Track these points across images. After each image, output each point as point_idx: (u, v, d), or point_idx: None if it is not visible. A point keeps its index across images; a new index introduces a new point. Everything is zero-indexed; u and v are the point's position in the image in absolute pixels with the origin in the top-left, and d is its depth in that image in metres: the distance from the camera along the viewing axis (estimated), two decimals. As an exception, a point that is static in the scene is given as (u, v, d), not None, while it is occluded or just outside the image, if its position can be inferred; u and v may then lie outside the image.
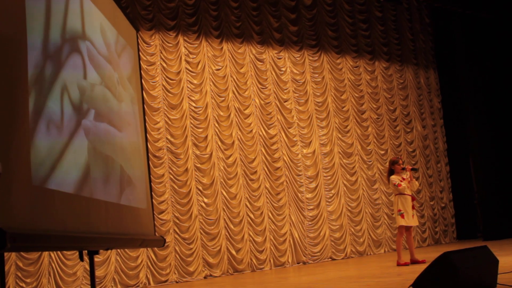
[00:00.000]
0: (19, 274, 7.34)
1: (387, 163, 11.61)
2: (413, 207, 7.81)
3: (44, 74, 3.00)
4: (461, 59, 12.72)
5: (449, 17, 13.03)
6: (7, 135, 2.50)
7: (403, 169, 7.89)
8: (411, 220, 7.73)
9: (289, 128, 10.53)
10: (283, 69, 10.73)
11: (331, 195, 10.78)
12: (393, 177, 7.83)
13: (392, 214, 11.45)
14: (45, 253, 7.56)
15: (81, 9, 3.82)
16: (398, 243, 7.80)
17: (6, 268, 7.18)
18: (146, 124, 6.82)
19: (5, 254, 6.54)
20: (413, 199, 7.83)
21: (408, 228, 7.83)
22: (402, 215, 7.69)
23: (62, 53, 3.31)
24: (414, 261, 7.74)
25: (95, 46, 4.03)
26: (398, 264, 7.67)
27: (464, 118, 12.93)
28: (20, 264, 7.37)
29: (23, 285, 7.34)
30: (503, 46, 13.00)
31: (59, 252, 7.66)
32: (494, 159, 12.50)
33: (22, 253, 7.32)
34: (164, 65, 9.35)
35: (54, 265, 7.63)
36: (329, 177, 10.85)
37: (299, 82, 10.89)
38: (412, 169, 8.05)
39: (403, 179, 7.82)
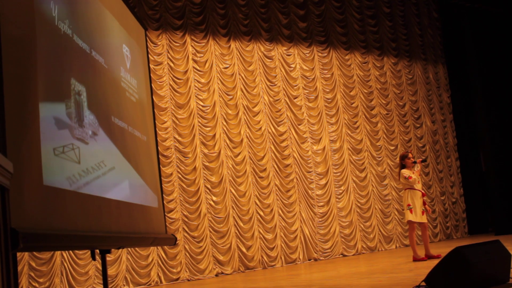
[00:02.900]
0: (32, 274, 7.39)
1: (397, 159, 11.61)
2: (424, 203, 7.77)
3: (54, 74, 3.00)
4: (470, 53, 12.65)
5: (457, 11, 12.95)
6: (18, 135, 2.51)
7: (414, 162, 7.87)
8: (419, 216, 7.68)
9: (299, 125, 10.52)
10: (293, 65, 10.71)
11: (340, 191, 10.76)
12: (403, 170, 7.80)
13: (403, 209, 11.40)
14: (57, 253, 7.61)
15: (89, 9, 3.83)
16: (411, 239, 7.76)
17: (19, 268, 7.24)
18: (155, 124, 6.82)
19: (18, 254, 6.59)
20: (423, 195, 7.80)
21: (422, 223, 7.80)
22: (411, 210, 7.65)
23: (72, 53, 3.31)
24: (429, 257, 7.70)
25: (105, 46, 4.04)
26: (415, 260, 7.63)
27: (473, 113, 12.86)
28: (33, 264, 7.42)
29: (36, 285, 7.39)
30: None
31: (71, 252, 7.70)
32: (504, 152, 12.42)
33: (34, 253, 7.36)
34: (172, 64, 9.36)
35: (66, 264, 7.67)
36: (339, 174, 10.83)
37: (308, 79, 10.87)
38: (422, 161, 8.03)
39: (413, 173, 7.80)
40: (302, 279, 7.01)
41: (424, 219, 7.78)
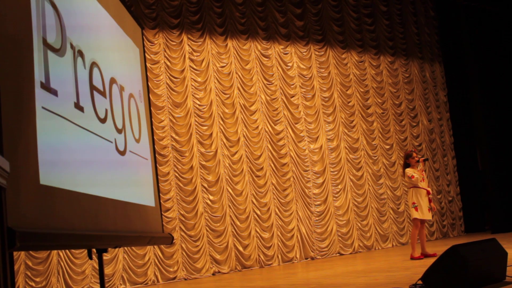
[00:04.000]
0: (29, 273, 7.38)
1: (393, 158, 11.64)
2: (430, 201, 7.82)
3: (50, 72, 3.00)
4: (467, 52, 12.67)
5: (454, 9, 12.97)
6: (15, 134, 2.50)
7: (418, 161, 7.91)
8: (425, 213, 7.74)
9: (296, 123, 10.52)
10: (290, 64, 10.71)
11: (338, 190, 10.77)
12: (408, 169, 7.86)
13: (398, 208, 11.45)
14: (54, 252, 7.59)
15: (87, 7, 3.82)
16: (413, 236, 7.80)
17: (16, 267, 7.22)
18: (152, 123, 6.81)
19: (15, 253, 6.58)
20: (428, 193, 7.83)
21: (421, 222, 7.83)
22: (416, 208, 7.70)
23: (68, 51, 3.30)
24: (425, 255, 7.74)
25: (101, 44, 4.03)
26: (412, 258, 7.66)
27: (470, 111, 12.88)
28: (29, 263, 7.41)
29: (33, 284, 7.37)
30: (508, 38, 12.93)
31: (67, 251, 7.69)
32: (501, 151, 12.45)
33: (31, 252, 7.35)
34: (168, 63, 9.35)
35: (63, 263, 7.66)
36: (336, 172, 10.84)
37: (306, 77, 10.87)
38: (424, 160, 8.08)
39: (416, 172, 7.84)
40: (299, 278, 7.02)
41: (429, 216, 7.83)
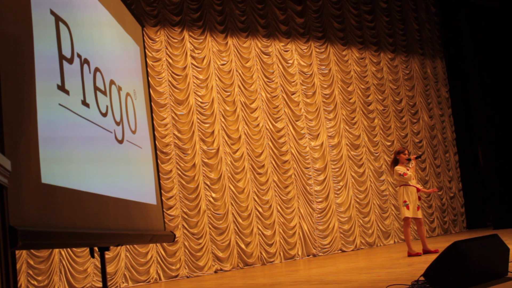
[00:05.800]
0: (31, 272, 7.39)
1: (393, 155, 11.61)
2: (419, 198, 7.81)
3: (51, 68, 3.01)
4: (469, 48, 12.65)
5: (455, 5, 12.95)
6: (16, 133, 2.51)
7: (409, 160, 7.87)
8: (416, 212, 7.72)
9: (297, 121, 10.51)
10: (290, 61, 10.70)
11: (339, 187, 10.77)
12: (397, 167, 7.83)
13: (394, 206, 11.44)
14: (56, 251, 7.60)
15: (86, 5, 3.83)
16: (406, 234, 7.81)
17: (18, 266, 7.23)
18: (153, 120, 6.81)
19: (16, 252, 6.58)
20: (418, 190, 7.82)
21: (417, 219, 7.82)
22: (407, 206, 7.69)
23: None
24: (426, 251, 7.74)
25: (99, 41, 4.04)
26: (409, 255, 7.67)
27: (472, 107, 12.86)
28: (31, 262, 7.42)
29: (35, 283, 7.39)
30: (510, 33, 12.90)
31: (69, 250, 7.70)
32: (503, 147, 12.44)
33: (33, 251, 7.36)
34: (170, 61, 9.35)
35: (64, 262, 7.67)
36: (337, 169, 10.83)
37: (306, 74, 10.86)
38: (417, 157, 8.06)
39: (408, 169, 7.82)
40: (301, 275, 7.03)
41: (419, 214, 7.81)
